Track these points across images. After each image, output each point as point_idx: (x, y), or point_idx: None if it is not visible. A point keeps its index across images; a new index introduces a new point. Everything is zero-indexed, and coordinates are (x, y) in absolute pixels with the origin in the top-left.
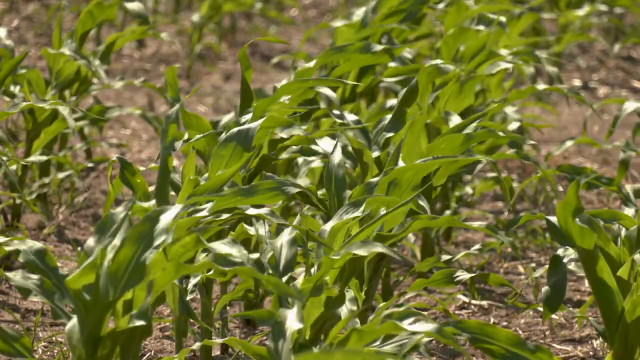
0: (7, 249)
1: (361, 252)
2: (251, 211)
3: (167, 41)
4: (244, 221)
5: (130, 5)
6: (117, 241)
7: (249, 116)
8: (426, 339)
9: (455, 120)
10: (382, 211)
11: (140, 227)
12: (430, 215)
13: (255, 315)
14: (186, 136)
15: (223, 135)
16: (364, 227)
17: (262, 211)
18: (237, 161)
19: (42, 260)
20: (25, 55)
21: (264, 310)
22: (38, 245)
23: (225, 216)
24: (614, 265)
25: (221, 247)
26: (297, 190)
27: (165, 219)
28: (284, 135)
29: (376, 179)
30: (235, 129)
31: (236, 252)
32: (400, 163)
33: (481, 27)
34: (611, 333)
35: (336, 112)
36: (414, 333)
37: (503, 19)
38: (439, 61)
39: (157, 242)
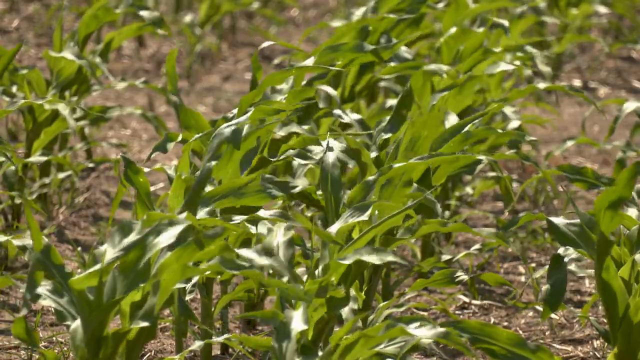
0: (16, 242)
1: (372, 259)
2: (263, 213)
3: (165, 37)
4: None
5: (144, 13)
6: (123, 250)
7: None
8: (427, 340)
9: (451, 119)
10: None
11: (147, 236)
12: (439, 220)
13: (259, 316)
14: (180, 137)
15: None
16: (368, 229)
17: (273, 213)
18: (228, 158)
19: (47, 257)
20: (20, 47)
21: (268, 311)
22: (45, 241)
23: (238, 219)
24: (616, 265)
25: (252, 255)
26: (280, 194)
27: (173, 232)
28: (282, 133)
29: (373, 177)
30: (224, 125)
31: (267, 262)
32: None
33: (482, 29)
34: (614, 332)
35: (337, 111)
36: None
37: (505, 22)
38: (433, 66)
39: (162, 246)
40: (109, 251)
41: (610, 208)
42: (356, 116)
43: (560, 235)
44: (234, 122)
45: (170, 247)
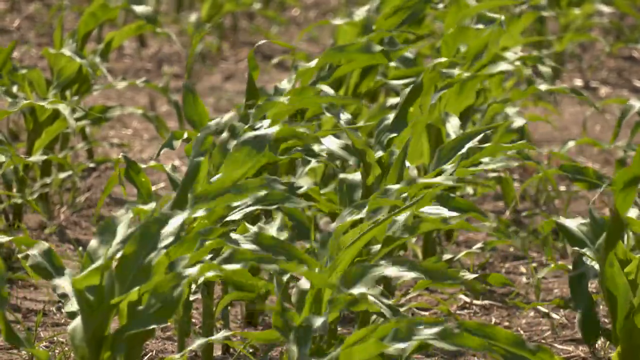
0: (20, 256)
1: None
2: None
3: (166, 36)
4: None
5: (137, 8)
6: (122, 242)
7: (265, 122)
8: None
9: (453, 122)
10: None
11: (147, 228)
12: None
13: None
14: (185, 135)
15: (231, 140)
16: (367, 229)
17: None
18: (250, 164)
19: (49, 260)
20: (15, 44)
21: (286, 312)
22: (45, 245)
23: (248, 210)
24: (621, 264)
25: (240, 238)
26: (284, 188)
27: (174, 223)
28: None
29: (396, 186)
30: (252, 134)
31: (252, 247)
32: (406, 164)
33: (480, 26)
34: (618, 331)
35: (329, 110)
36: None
37: (501, 17)
38: (442, 59)
39: (162, 244)
40: (103, 247)
41: (625, 187)
42: (346, 116)
43: (572, 237)
44: (262, 132)
45: (166, 246)
